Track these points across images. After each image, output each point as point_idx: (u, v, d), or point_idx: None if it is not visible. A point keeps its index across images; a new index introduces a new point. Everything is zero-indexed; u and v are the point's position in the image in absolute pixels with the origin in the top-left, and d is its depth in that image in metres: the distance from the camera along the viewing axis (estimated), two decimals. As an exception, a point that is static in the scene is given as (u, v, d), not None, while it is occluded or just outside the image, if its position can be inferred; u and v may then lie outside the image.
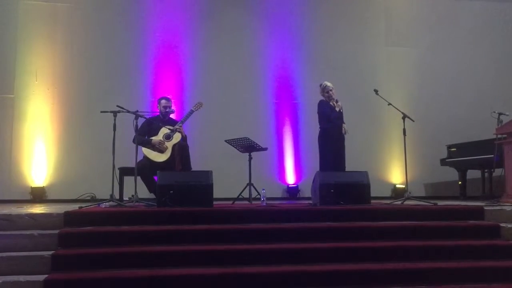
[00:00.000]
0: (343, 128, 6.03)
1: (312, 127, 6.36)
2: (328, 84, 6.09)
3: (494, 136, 5.72)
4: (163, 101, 5.97)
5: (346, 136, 6.06)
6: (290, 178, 7.91)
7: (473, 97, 8.26)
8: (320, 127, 6.09)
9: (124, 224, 4.17)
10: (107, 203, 4.95)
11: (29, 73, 7.53)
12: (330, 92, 6.05)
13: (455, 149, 7.17)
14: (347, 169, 5.98)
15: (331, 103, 6.04)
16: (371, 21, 8.42)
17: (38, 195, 7.25)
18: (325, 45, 8.17)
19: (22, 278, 3.50)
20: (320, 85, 6.15)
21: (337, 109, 6.01)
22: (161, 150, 5.62)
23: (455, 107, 8.21)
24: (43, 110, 7.51)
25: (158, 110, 6.02)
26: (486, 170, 7.00)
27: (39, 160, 7.41)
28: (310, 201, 5.68)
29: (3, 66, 7.49)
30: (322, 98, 6.15)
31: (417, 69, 8.35)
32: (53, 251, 3.74)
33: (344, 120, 6.14)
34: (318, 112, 6.11)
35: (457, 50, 8.46)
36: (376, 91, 5.89)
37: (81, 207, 4.57)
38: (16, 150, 7.39)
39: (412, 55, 8.38)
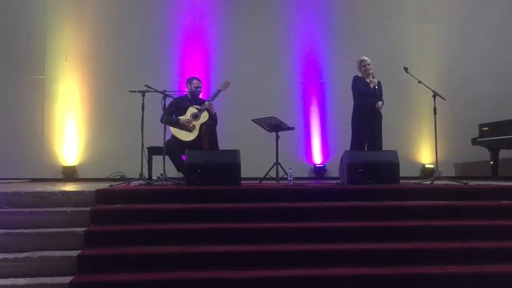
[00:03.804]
0: (377, 104, 5.82)
1: (339, 106, 6.27)
2: (365, 58, 5.92)
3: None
4: (195, 81, 5.99)
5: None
6: (317, 157, 7.87)
7: (506, 74, 7.99)
8: (353, 104, 6.00)
9: (154, 202, 4.23)
10: (136, 182, 5.03)
11: (59, 54, 7.66)
12: (367, 67, 5.87)
13: (487, 128, 6.98)
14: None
15: (367, 79, 5.89)
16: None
17: (69, 174, 7.43)
18: (353, 22, 8.00)
19: (56, 253, 3.59)
20: (358, 59, 6.02)
21: (371, 85, 5.86)
22: (189, 130, 5.66)
23: (488, 85, 7.95)
24: (73, 91, 7.65)
25: (187, 90, 6.03)
26: (519, 150, 6.82)
27: (70, 140, 7.58)
28: (338, 181, 5.66)
29: (34, 48, 7.63)
30: (358, 73, 6.01)
31: (448, 46, 8.09)
32: (86, 228, 3.83)
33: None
34: (351, 88, 6.00)
35: (490, 24, 8.12)
36: (406, 68, 5.75)
37: (112, 185, 4.65)
38: (48, 130, 7.57)
39: (443, 31, 8.11)
